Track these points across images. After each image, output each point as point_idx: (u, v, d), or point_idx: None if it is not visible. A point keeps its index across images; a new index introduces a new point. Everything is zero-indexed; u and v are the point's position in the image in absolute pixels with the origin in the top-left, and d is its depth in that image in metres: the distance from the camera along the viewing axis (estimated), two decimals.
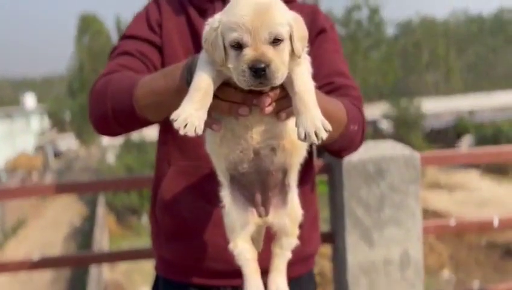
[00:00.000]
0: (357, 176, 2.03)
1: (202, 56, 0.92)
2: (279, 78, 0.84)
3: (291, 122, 0.94)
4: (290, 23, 0.86)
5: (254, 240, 1.09)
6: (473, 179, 19.02)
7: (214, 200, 1.16)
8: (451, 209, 14.83)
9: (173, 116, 0.87)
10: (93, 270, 9.69)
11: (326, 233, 2.23)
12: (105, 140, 26.13)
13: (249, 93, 0.89)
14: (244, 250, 1.02)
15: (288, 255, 1.08)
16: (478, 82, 42.58)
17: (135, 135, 21.37)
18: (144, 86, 1.13)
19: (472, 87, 39.51)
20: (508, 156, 2.42)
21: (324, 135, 0.86)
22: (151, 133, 18.87)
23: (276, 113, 0.93)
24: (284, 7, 0.89)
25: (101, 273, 10.59)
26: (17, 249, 15.98)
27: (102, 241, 12.81)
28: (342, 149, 1.32)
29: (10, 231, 18.09)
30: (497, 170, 18.95)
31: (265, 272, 1.09)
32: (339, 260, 2.18)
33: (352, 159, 2.02)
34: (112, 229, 16.29)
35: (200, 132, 0.86)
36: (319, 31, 1.39)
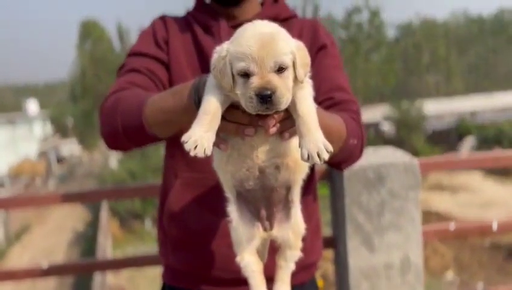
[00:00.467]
0: (357, 183, 2.07)
1: (210, 80, 0.97)
2: (284, 103, 0.90)
3: (294, 141, 1.00)
4: (293, 51, 0.92)
5: (259, 252, 1.14)
6: (476, 180, 19.00)
7: (220, 212, 1.20)
8: (454, 210, 14.82)
9: (184, 138, 0.92)
10: (97, 275, 9.72)
11: (328, 238, 2.27)
12: None
13: (254, 115, 0.95)
14: (250, 263, 1.08)
15: (292, 266, 1.14)
16: (479, 83, 42.55)
17: None
18: (153, 104, 1.17)
19: (473, 88, 39.49)
20: (508, 161, 2.45)
21: (326, 156, 0.92)
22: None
23: (280, 133, 0.98)
24: (287, 36, 0.94)
25: (104, 279, 10.62)
26: (21, 255, 16.03)
27: (105, 246, 12.84)
28: (342, 162, 1.36)
29: (14, 237, 18.15)
30: (500, 171, 18.92)
31: (269, 280, 1.14)
32: (340, 265, 2.22)
33: (352, 166, 2.05)
34: (115, 234, 16.33)
35: (209, 152, 0.92)
36: (319, 47, 1.43)
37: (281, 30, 0.94)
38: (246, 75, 0.90)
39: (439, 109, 29.28)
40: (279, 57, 0.89)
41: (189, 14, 1.49)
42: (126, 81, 1.36)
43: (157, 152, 18.65)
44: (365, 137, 1.37)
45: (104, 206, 15.96)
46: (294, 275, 1.20)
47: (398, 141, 23.27)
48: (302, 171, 1.09)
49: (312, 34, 1.43)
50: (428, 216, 13.06)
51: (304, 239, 1.14)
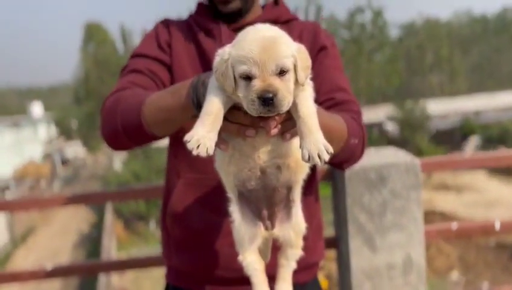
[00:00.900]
0: (359, 183, 2.08)
1: (213, 81, 0.99)
2: (286, 105, 0.92)
3: (295, 142, 1.02)
4: (294, 55, 0.94)
5: (262, 252, 1.16)
6: (481, 180, 18.92)
7: (222, 212, 1.22)
8: (458, 211, 14.77)
9: (187, 137, 0.94)
10: (102, 277, 9.76)
11: (331, 238, 2.28)
12: None
13: (256, 117, 0.96)
14: (252, 262, 1.10)
15: (294, 265, 1.15)
16: (483, 82, 42.39)
17: None
18: (151, 103, 1.19)
19: (477, 88, 39.35)
20: (511, 160, 2.46)
21: (326, 157, 0.93)
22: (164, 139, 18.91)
23: (281, 134, 1.00)
24: (288, 39, 0.96)
25: (109, 280, 10.66)
26: (27, 257, 16.10)
27: (110, 247, 12.89)
28: (343, 162, 1.37)
29: (19, 239, 18.24)
30: (505, 171, 18.84)
31: (271, 279, 1.16)
32: (343, 265, 2.23)
33: (354, 166, 2.06)
34: (119, 235, 16.38)
35: (211, 152, 0.94)
36: (320, 48, 1.44)
37: (282, 33, 0.96)
38: (248, 78, 0.91)
39: (443, 109, 29.19)
40: (281, 60, 0.91)
41: (191, 17, 1.51)
42: (127, 81, 1.38)
43: (161, 154, 18.68)
44: (366, 137, 1.38)
45: (108, 208, 16.02)
46: (296, 274, 1.21)
47: (402, 141, 23.24)
48: (303, 172, 1.11)
49: (312, 36, 1.45)
50: (433, 216, 13.03)
51: (305, 238, 1.16)
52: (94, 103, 30.00)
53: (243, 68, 0.91)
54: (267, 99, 0.89)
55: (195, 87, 1.06)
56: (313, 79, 1.32)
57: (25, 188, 23.79)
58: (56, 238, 18.05)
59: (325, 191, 2.50)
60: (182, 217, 1.42)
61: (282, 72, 0.92)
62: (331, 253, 2.44)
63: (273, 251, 1.21)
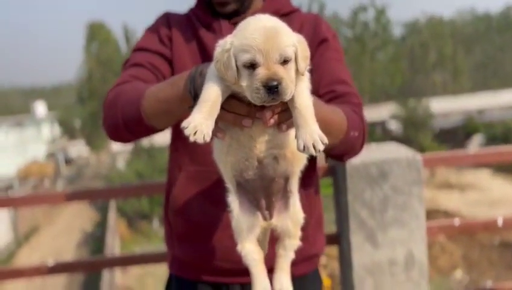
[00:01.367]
0: (360, 179, 2.08)
1: (212, 70, 1.00)
2: (289, 94, 0.92)
3: (292, 133, 1.02)
4: (295, 45, 0.95)
5: (260, 243, 1.16)
6: (484, 178, 18.86)
7: (222, 204, 1.23)
8: (462, 209, 14.73)
9: (184, 124, 0.95)
10: (106, 274, 9.79)
11: (332, 235, 2.27)
12: (115, 146, 26.34)
13: (253, 107, 0.97)
14: (251, 251, 1.10)
15: (292, 255, 1.15)
16: (486, 81, 42.21)
17: (145, 141, 21.52)
18: (150, 95, 1.21)
19: (480, 86, 39.20)
20: None
21: (321, 147, 0.94)
22: (161, 139, 18.98)
23: (278, 125, 1.00)
24: (288, 29, 0.97)
25: (113, 278, 10.69)
26: (30, 256, 16.17)
27: (113, 246, 12.92)
28: (344, 154, 1.37)
29: (23, 238, 18.31)
30: (508, 169, 18.77)
31: (270, 271, 1.16)
32: (344, 261, 2.23)
33: (355, 162, 2.06)
34: (123, 234, 16.43)
35: (208, 139, 0.94)
36: (321, 41, 1.44)
37: (282, 24, 0.97)
38: (251, 66, 0.92)
39: (446, 107, 29.11)
40: (284, 50, 0.92)
41: (191, 11, 1.52)
42: (129, 75, 1.40)
43: (164, 153, 18.72)
44: (367, 129, 1.38)
45: (111, 207, 16.07)
46: (296, 265, 1.21)
47: (405, 140, 23.19)
48: (300, 163, 1.11)
49: (313, 28, 1.45)
50: (437, 215, 13.00)
51: (305, 230, 1.16)
52: (97, 102, 30.08)
53: (246, 56, 0.91)
54: (272, 87, 0.89)
55: (192, 78, 1.07)
56: (314, 71, 1.32)
57: (29, 188, 23.87)
58: (60, 237, 18.12)
59: (327, 189, 2.50)
60: (184, 209, 1.44)
61: (285, 61, 0.92)
62: (334, 251, 2.44)
63: (271, 243, 1.22)
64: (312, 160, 1.44)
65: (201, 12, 1.48)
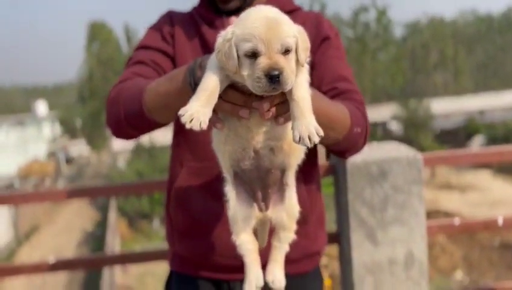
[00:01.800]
0: (361, 177, 2.08)
1: (212, 60, 1.00)
2: (290, 84, 0.93)
3: (289, 125, 1.02)
4: (296, 35, 0.95)
5: (259, 236, 1.17)
6: (485, 179, 18.85)
7: (223, 200, 1.23)
8: (463, 210, 14.71)
9: (181, 111, 0.95)
10: (106, 273, 9.80)
11: (332, 233, 2.27)
12: (116, 146, 26.35)
13: (249, 97, 0.98)
14: (245, 241, 1.11)
15: (286, 248, 1.16)
16: (488, 82, 42.19)
17: (145, 140, 21.53)
18: (151, 90, 1.22)
19: (482, 87, 39.18)
20: None
21: (316, 139, 0.94)
22: (162, 138, 19.00)
23: (275, 117, 1.01)
24: (289, 20, 0.97)
25: (113, 277, 10.69)
26: (30, 255, 16.18)
27: (114, 245, 12.93)
28: (346, 150, 1.37)
29: (23, 237, 18.33)
30: (509, 170, 18.76)
31: (264, 267, 1.17)
32: (344, 260, 2.23)
33: (356, 160, 2.07)
34: (123, 233, 16.44)
35: (204, 126, 0.94)
36: (323, 39, 1.44)
37: (283, 15, 0.97)
38: (253, 55, 0.92)
39: (447, 108, 29.09)
40: (285, 39, 0.92)
41: (194, 10, 1.54)
42: (131, 72, 1.42)
43: (165, 153, 18.73)
44: (369, 126, 1.38)
45: (112, 206, 16.08)
46: (297, 263, 1.21)
47: (406, 140, 23.17)
48: (297, 156, 1.11)
49: (315, 27, 1.45)
50: (437, 215, 12.98)
51: (307, 224, 1.16)
52: (98, 101, 30.11)
53: (248, 45, 0.92)
54: (274, 77, 0.90)
55: (192, 71, 1.08)
56: (316, 69, 1.32)
57: (29, 187, 23.89)
58: (60, 236, 18.14)
59: (328, 189, 2.51)
60: (185, 205, 1.44)
61: (286, 51, 0.93)
62: (335, 251, 2.44)
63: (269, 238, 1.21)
64: (313, 156, 1.44)
65: (204, 10, 1.49)
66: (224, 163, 1.13)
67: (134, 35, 33.26)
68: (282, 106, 0.98)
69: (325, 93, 1.36)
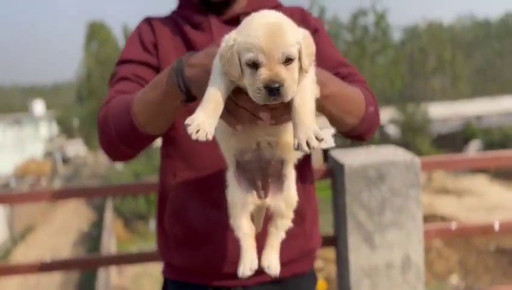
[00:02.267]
0: (358, 181, 2.08)
1: (216, 66, 0.99)
2: (291, 95, 0.92)
3: (289, 124, 1.03)
4: (299, 41, 0.94)
5: (255, 222, 1.18)
6: (482, 184, 18.89)
7: (221, 206, 1.23)
8: (460, 215, 14.74)
9: (187, 121, 0.95)
10: (102, 274, 9.77)
11: (330, 236, 2.27)
12: None
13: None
14: (242, 225, 1.13)
15: (282, 235, 1.17)
16: (485, 87, 42.35)
17: None
18: (138, 101, 1.19)
19: (479, 92, 39.32)
20: (510, 161, 2.45)
21: (315, 144, 0.94)
22: (159, 139, 18.95)
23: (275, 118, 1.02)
24: (293, 25, 0.96)
25: (108, 278, 10.66)
26: (26, 255, 16.11)
27: (110, 246, 12.89)
28: (366, 132, 1.37)
29: (19, 237, 18.26)
30: (506, 175, 18.80)
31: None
32: (341, 263, 2.23)
33: (353, 164, 2.07)
34: (119, 234, 16.39)
35: (210, 137, 0.95)
36: (313, 32, 1.43)
37: (287, 20, 0.96)
38: (254, 65, 0.91)
39: (444, 113, 29.17)
40: (287, 48, 0.91)
41: (175, 12, 1.47)
42: (116, 91, 1.35)
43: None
44: (377, 104, 1.40)
45: (108, 207, 16.04)
46: (295, 262, 1.21)
47: (403, 144, 23.19)
48: (293, 151, 1.11)
49: (302, 21, 1.43)
50: (434, 220, 12.99)
51: (304, 221, 1.15)
52: (96, 101, 30.02)
53: (249, 55, 0.91)
54: (274, 89, 0.89)
55: (178, 71, 1.07)
56: (314, 61, 1.31)
57: (26, 186, 23.82)
58: (56, 236, 18.08)
59: (325, 192, 2.50)
60: (182, 215, 1.41)
61: (288, 60, 0.91)
62: (331, 254, 2.44)
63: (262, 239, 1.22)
64: (307, 156, 1.44)
65: (188, 11, 1.43)
66: (227, 154, 1.15)
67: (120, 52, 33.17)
68: (283, 108, 0.98)
69: None
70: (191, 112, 0.97)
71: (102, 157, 33.80)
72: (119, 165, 24.38)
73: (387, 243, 2.10)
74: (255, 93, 0.91)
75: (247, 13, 1.30)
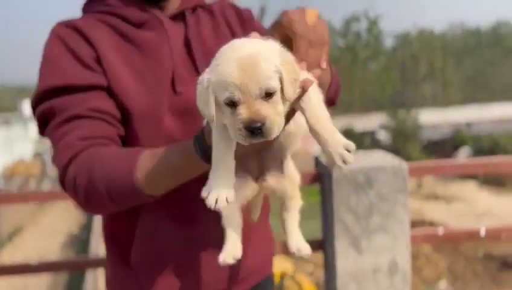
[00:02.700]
0: (346, 185, 2.09)
1: (215, 131, 0.92)
2: (276, 131, 0.83)
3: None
4: (279, 70, 0.83)
5: (252, 210, 1.16)
6: (471, 190, 19.04)
7: (196, 223, 1.17)
8: (448, 221, 14.83)
9: (203, 193, 0.90)
10: (90, 276, 9.68)
11: (317, 240, 2.28)
12: None
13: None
14: (232, 213, 1.05)
15: (297, 215, 1.11)
16: (475, 94, 42.82)
17: None
18: (148, 168, 1.02)
19: (469, 99, 39.74)
20: (498, 167, 2.48)
21: (350, 160, 0.89)
22: None
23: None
24: (269, 52, 0.85)
25: (97, 280, 10.56)
26: (13, 256, 15.93)
27: (98, 248, 12.79)
28: (337, 93, 1.29)
29: (6, 238, 18.05)
30: (494, 181, 18.98)
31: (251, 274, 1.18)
32: (328, 267, 2.23)
33: (342, 168, 2.08)
34: None
35: (231, 200, 0.90)
36: (251, 19, 1.39)
37: (261, 47, 0.85)
38: (233, 104, 0.83)
39: (435, 119, 29.42)
40: (264, 82, 0.81)
41: (96, 12, 1.20)
42: (77, 138, 1.07)
43: None
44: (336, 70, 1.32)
45: None
46: (269, 263, 1.22)
47: (393, 150, 23.34)
48: (293, 143, 1.08)
49: (235, 12, 1.38)
50: (422, 226, 13.06)
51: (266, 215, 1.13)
52: None
53: (225, 95, 0.82)
54: (255, 129, 0.80)
55: (198, 140, 0.97)
56: None
57: (14, 187, 23.57)
58: (44, 239, 17.89)
59: (314, 197, 2.51)
60: (154, 237, 1.21)
61: (268, 95, 0.82)
62: (320, 259, 2.44)
63: (251, 247, 1.21)
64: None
65: (124, 9, 1.18)
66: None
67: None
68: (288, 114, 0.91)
69: None
70: None
71: None
72: None
73: (374, 248, 2.12)
74: (237, 134, 0.82)
75: (192, 8, 1.24)
